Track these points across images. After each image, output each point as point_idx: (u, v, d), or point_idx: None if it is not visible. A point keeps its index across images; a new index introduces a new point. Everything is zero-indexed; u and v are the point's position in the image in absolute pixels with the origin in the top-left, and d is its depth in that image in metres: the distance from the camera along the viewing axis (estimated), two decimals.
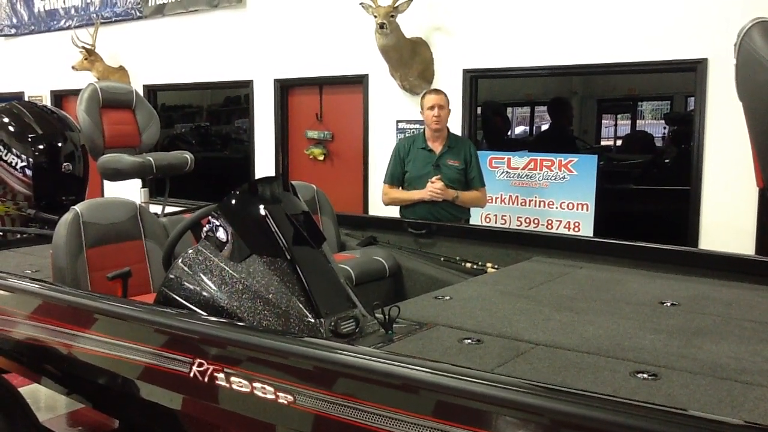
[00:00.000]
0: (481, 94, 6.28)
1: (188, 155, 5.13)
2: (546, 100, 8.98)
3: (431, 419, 1.70)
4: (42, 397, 4.11)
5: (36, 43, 10.12)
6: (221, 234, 2.60)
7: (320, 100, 7.21)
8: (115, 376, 2.54)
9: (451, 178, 4.60)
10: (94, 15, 9.03)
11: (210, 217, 2.67)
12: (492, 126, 7.50)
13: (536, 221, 5.50)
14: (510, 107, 8.21)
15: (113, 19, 8.89)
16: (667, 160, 7.70)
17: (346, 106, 7.01)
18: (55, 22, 9.74)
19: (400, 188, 4.75)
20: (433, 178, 4.54)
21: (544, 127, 8.93)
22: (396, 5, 5.73)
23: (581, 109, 8.63)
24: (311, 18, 6.99)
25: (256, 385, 2.04)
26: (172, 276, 2.65)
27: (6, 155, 4.82)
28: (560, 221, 5.40)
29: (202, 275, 2.57)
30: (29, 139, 4.85)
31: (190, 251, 2.65)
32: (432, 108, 4.63)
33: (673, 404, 1.77)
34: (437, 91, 4.79)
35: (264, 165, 7.61)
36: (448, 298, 2.91)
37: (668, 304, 2.75)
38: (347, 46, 6.71)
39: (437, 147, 4.70)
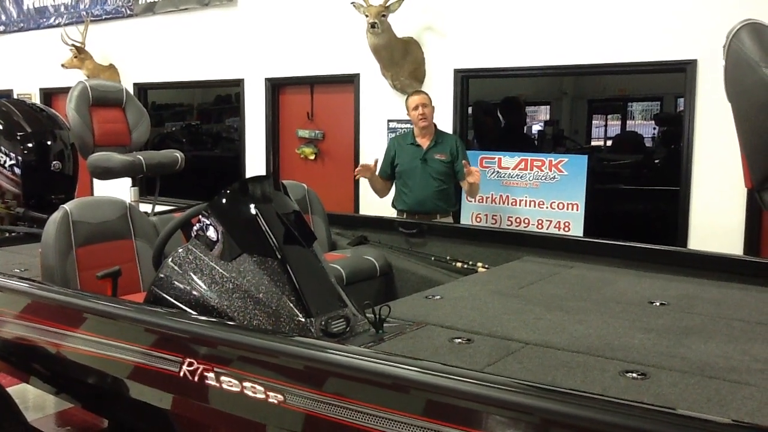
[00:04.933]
0: (472, 94, 6.29)
1: (178, 154, 5.12)
2: (538, 100, 9.01)
3: (422, 418, 1.70)
4: (30, 397, 4.09)
5: (25, 40, 10.06)
6: (211, 233, 2.59)
7: (311, 100, 7.20)
8: (105, 375, 2.53)
9: (437, 171, 4.89)
10: (84, 13, 8.98)
11: (200, 216, 2.66)
12: (483, 126, 7.52)
13: (527, 221, 5.52)
14: (498, 107, 8.21)
15: (103, 17, 8.85)
16: (656, 161, 7.75)
17: (337, 106, 7.00)
18: (44, 20, 9.68)
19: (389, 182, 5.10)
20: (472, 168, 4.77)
21: (535, 127, 8.96)
22: (387, 5, 5.74)
23: (571, 109, 8.66)
24: (303, 17, 6.98)
25: (246, 384, 2.04)
26: (162, 275, 2.64)
27: None
28: (550, 221, 5.41)
29: (192, 274, 2.57)
30: (18, 138, 4.83)
31: (180, 250, 2.64)
32: (416, 108, 4.94)
33: (662, 403, 1.78)
34: (419, 92, 5.17)
35: (255, 164, 7.59)
36: (438, 297, 2.92)
37: (657, 304, 2.76)
38: (338, 45, 6.70)
39: (424, 142, 4.98)
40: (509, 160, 5.62)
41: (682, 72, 5.02)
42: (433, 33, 6.15)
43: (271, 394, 1.98)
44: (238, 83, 7.66)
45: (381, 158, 5.08)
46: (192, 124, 9.73)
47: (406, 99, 5.11)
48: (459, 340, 2.32)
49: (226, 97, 8.90)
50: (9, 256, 4.09)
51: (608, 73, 5.96)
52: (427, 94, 5.04)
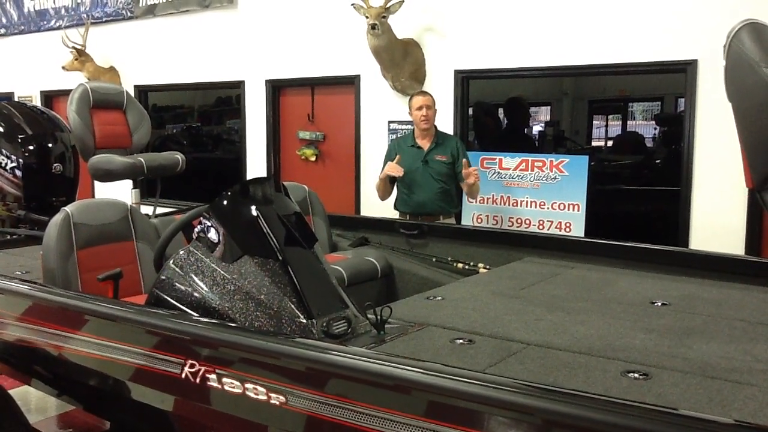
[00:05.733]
0: (473, 94, 6.29)
1: (179, 156, 5.12)
2: (538, 100, 9.01)
3: (423, 419, 1.70)
4: (32, 399, 4.09)
5: (26, 43, 10.07)
6: (213, 235, 2.59)
7: (312, 101, 7.20)
8: (107, 377, 2.53)
9: (439, 172, 4.86)
10: (85, 15, 8.99)
11: (201, 218, 2.66)
12: (483, 126, 7.52)
13: (528, 222, 5.52)
14: (501, 108, 8.22)
15: (104, 20, 8.86)
16: (657, 161, 7.74)
17: (337, 107, 7.00)
18: (45, 22, 9.69)
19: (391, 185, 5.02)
20: (471, 168, 4.71)
21: (536, 128, 8.96)
22: (388, 6, 5.74)
23: (572, 109, 8.66)
24: (303, 18, 6.98)
25: (248, 386, 2.04)
26: (163, 277, 2.65)
27: None
28: (551, 222, 5.41)
29: (193, 276, 2.57)
30: (19, 140, 4.83)
31: (182, 252, 2.65)
32: (420, 108, 4.90)
33: (664, 403, 1.78)
34: (423, 93, 5.11)
35: (255, 166, 7.60)
36: (439, 298, 2.91)
37: (659, 304, 2.76)
38: (339, 46, 6.71)
39: (425, 144, 4.95)
40: (510, 161, 5.62)
41: (683, 72, 5.02)
42: (434, 34, 6.15)
43: (272, 395, 1.98)
44: (239, 85, 7.67)
45: (383, 159, 5.08)
46: (193, 126, 9.74)
47: (410, 98, 5.09)
48: (460, 341, 2.32)
49: (226, 99, 8.91)
50: (10, 259, 4.09)
51: (609, 73, 5.95)
52: (431, 96, 5.01)
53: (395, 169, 4.76)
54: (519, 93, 7.65)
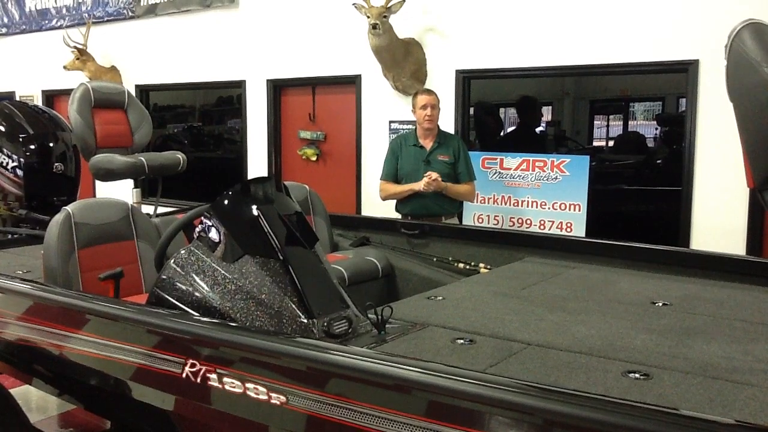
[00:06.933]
0: (474, 94, 6.29)
1: (180, 155, 5.12)
2: (540, 100, 9.02)
3: (424, 419, 1.70)
4: (33, 399, 4.09)
5: (27, 42, 10.08)
6: (214, 234, 2.59)
7: (313, 101, 7.21)
8: (107, 376, 2.53)
9: (441, 173, 4.79)
10: (86, 15, 9.00)
11: (202, 218, 2.66)
12: (484, 126, 7.52)
13: (529, 222, 5.52)
14: (503, 108, 8.23)
15: (105, 19, 8.86)
16: (658, 161, 7.75)
17: (339, 107, 7.00)
18: (46, 22, 9.70)
19: (396, 184, 4.96)
20: (429, 173, 4.69)
21: (538, 128, 8.97)
22: (389, 6, 5.74)
23: (573, 109, 8.66)
24: (304, 18, 6.98)
25: (249, 385, 2.04)
26: (164, 276, 2.65)
27: None
28: (552, 222, 5.41)
29: (194, 276, 2.57)
30: (20, 139, 4.84)
31: (183, 252, 2.65)
32: (425, 107, 4.84)
33: (665, 404, 1.78)
34: (429, 92, 5.01)
35: (257, 165, 7.60)
36: (440, 298, 2.91)
37: (660, 304, 2.76)
38: (340, 46, 6.71)
39: (428, 144, 4.91)
40: (511, 161, 5.62)
41: (684, 72, 5.02)
42: (435, 34, 6.15)
43: (273, 395, 1.98)
44: (240, 84, 7.67)
45: (385, 158, 5.07)
46: (194, 125, 9.74)
47: (414, 95, 5.03)
48: (461, 341, 2.32)
49: (227, 99, 8.91)
50: (11, 258, 4.09)
51: (610, 73, 5.96)
52: (436, 95, 4.94)
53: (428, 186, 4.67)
54: (521, 93, 7.65)
